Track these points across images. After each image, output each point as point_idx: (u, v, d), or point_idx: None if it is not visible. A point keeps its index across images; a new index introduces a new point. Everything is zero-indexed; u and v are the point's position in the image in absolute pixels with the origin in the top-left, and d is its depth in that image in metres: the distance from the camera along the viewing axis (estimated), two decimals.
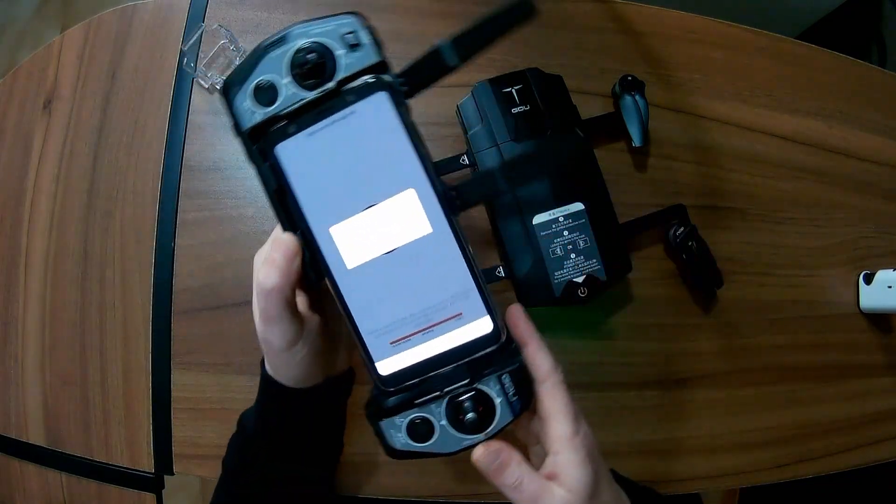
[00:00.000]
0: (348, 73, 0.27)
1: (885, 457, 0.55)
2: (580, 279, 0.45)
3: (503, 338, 0.29)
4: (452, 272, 0.28)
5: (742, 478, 0.53)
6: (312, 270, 0.29)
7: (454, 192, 0.28)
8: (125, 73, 0.53)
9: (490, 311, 0.29)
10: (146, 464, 0.49)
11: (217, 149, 0.51)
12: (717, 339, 0.53)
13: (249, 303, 0.50)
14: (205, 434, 0.48)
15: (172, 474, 0.49)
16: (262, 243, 0.50)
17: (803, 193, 0.57)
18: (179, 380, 0.49)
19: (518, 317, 0.31)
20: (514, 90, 0.46)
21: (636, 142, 0.51)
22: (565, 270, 0.45)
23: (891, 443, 0.55)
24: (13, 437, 0.52)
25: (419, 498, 0.49)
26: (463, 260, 0.28)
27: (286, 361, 0.33)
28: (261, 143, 0.27)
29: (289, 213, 0.28)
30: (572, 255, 0.45)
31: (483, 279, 0.29)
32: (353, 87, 0.27)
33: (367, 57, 0.27)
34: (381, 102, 0.27)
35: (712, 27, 0.58)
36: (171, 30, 0.53)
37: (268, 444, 0.38)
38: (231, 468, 0.40)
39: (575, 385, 0.44)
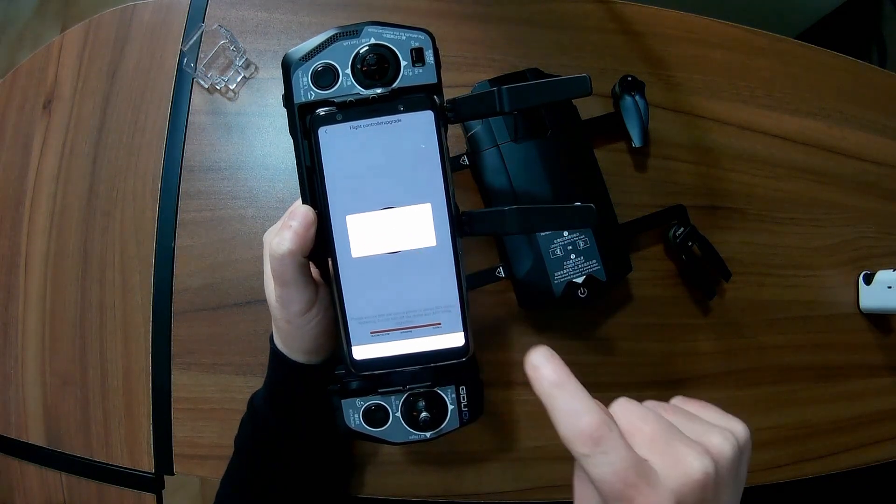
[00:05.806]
0: (406, 85, 0.29)
1: (885, 457, 0.55)
2: (580, 279, 0.45)
3: (470, 354, 0.31)
4: (443, 286, 0.30)
5: None
6: (321, 247, 0.31)
7: (466, 217, 0.31)
8: (125, 73, 0.53)
9: (465, 330, 0.31)
10: (146, 464, 0.49)
11: (217, 149, 0.51)
12: (717, 339, 0.53)
13: (250, 303, 0.50)
14: (205, 434, 0.48)
15: (172, 474, 0.49)
16: (262, 244, 0.51)
17: (803, 193, 0.57)
18: (179, 380, 0.49)
19: (544, 361, 0.24)
20: None
21: (636, 142, 0.51)
22: (565, 271, 0.45)
23: (891, 443, 0.55)
24: (13, 438, 0.52)
25: (419, 498, 0.49)
26: (455, 278, 0.30)
27: (300, 327, 0.33)
28: (307, 120, 0.29)
29: (314, 190, 0.30)
30: (572, 256, 0.45)
31: (467, 299, 0.31)
32: (407, 99, 0.29)
33: (428, 76, 0.29)
34: (426, 120, 0.29)
35: (712, 27, 0.58)
36: (171, 30, 0.53)
37: (278, 420, 0.38)
38: (241, 447, 0.41)
39: None
